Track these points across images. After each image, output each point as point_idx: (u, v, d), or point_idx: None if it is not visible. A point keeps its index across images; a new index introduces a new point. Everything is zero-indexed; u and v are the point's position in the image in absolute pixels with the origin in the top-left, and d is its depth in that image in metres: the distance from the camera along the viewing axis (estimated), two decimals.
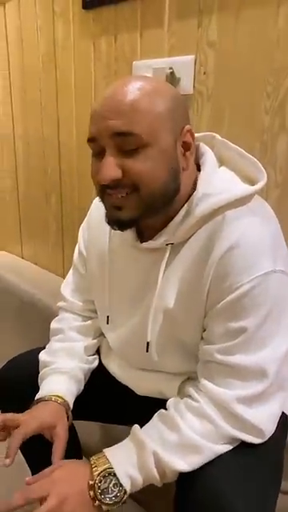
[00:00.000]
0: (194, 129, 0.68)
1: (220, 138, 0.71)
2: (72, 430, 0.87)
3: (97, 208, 0.85)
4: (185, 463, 0.60)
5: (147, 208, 0.65)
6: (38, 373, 0.83)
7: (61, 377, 0.80)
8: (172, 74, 1.02)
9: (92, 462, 0.63)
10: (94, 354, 0.88)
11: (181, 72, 1.01)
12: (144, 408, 0.70)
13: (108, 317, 0.82)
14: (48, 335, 0.92)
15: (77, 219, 1.48)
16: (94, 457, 0.64)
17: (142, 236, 0.73)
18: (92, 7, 1.19)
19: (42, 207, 1.61)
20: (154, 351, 0.72)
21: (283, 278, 0.62)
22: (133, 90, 0.61)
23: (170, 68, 1.02)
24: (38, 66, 1.44)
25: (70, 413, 0.77)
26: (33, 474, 0.65)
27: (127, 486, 0.61)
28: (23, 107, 1.57)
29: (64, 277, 0.96)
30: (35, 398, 0.78)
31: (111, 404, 0.87)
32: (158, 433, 0.64)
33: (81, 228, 0.89)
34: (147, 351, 0.72)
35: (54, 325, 0.91)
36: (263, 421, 0.61)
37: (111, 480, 0.61)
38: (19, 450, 0.69)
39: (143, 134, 0.61)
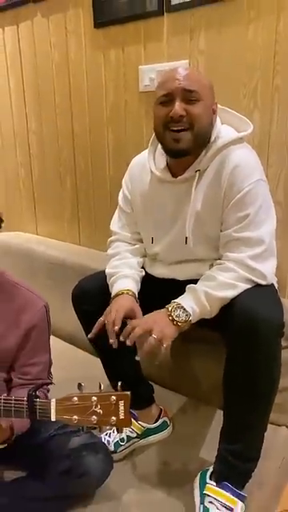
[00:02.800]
0: None
1: (221, 106, 1.12)
2: None
3: (136, 165, 1.23)
4: (225, 294, 0.99)
5: (195, 142, 1.03)
6: (105, 283, 1.18)
7: (126, 279, 1.15)
8: None
9: (166, 306, 1.01)
10: (141, 268, 1.25)
11: None
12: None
13: (152, 238, 1.19)
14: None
15: (91, 195, 1.82)
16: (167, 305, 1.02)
17: (174, 175, 1.11)
18: (102, 26, 1.56)
19: (57, 189, 1.93)
20: (190, 242, 1.11)
21: (265, 184, 1.04)
22: (192, 69, 1.07)
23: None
24: (51, 73, 1.78)
25: (136, 298, 1.13)
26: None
27: (190, 312, 0.99)
28: (36, 107, 1.89)
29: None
30: (112, 296, 1.13)
31: (159, 300, 1.22)
32: (202, 283, 1.03)
33: (123, 181, 1.26)
34: (186, 243, 1.11)
35: (110, 251, 1.26)
36: (265, 270, 1.01)
37: (180, 309, 1.00)
38: None
39: (200, 92, 1.01)
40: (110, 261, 1.24)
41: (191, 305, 1.01)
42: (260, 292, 1.00)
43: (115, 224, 1.28)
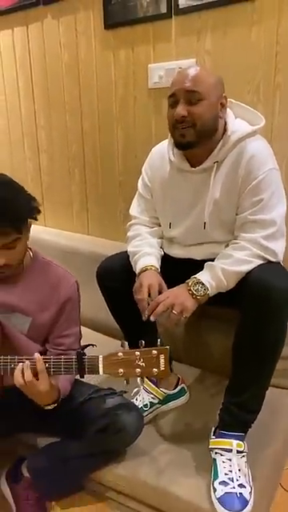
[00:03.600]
0: None
1: (234, 101, 1.24)
2: None
3: (156, 154, 1.35)
4: (240, 269, 1.11)
5: (199, 136, 1.15)
6: (127, 262, 1.29)
7: (149, 256, 1.27)
8: None
9: (186, 281, 1.13)
10: (160, 248, 1.36)
11: None
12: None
13: (170, 223, 1.31)
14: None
15: (100, 187, 1.93)
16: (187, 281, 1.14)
17: (192, 166, 1.23)
18: (112, 28, 1.67)
19: (66, 182, 2.03)
20: (208, 227, 1.23)
21: (277, 172, 1.17)
22: (196, 69, 1.14)
23: (180, 67, 1.53)
24: (60, 72, 1.88)
25: (159, 271, 1.24)
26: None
27: (208, 286, 1.11)
28: (45, 104, 1.99)
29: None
30: (137, 272, 1.23)
31: (176, 278, 1.34)
32: (219, 261, 1.15)
33: (143, 169, 1.37)
34: (204, 228, 1.23)
35: (130, 234, 1.37)
36: (276, 249, 1.13)
37: (199, 284, 1.11)
38: None
39: (202, 92, 1.12)
40: (130, 242, 1.35)
41: (209, 280, 1.13)
42: (272, 266, 1.13)
43: (134, 209, 1.40)
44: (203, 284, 1.12)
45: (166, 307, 1.10)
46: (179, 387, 1.39)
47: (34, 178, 2.17)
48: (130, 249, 1.32)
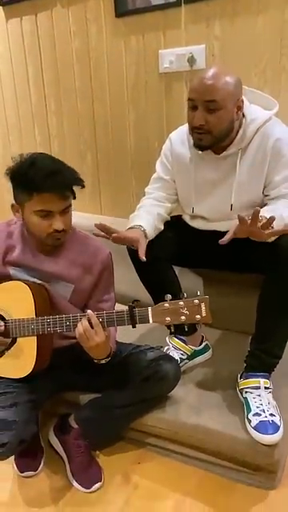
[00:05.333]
0: None
1: (247, 88, 1.37)
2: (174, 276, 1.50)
3: (176, 141, 1.45)
4: None
5: (215, 140, 1.28)
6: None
7: (140, 219, 1.35)
8: (192, 56, 1.65)
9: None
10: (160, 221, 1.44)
11: (197, 55, 1.65)
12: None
13: (193, 208, 1.44)
14: None
15: (113, 169, 2.04)
16: None
17: (215, 153, 1.35)
18: (123, 16, 1.77)
19: (77, 165, 2.08)
20: (234, 209, 1.35)
21: None
22: (216, 77, 1.22)
23: (190, 53, 1.65)
24: (71, 60, 1.97)
25: (147, 236, 1.32)
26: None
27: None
28: (56, 90, 2.07)
29: None
30: (126, 228, 1.33)
31: (198, 252, 1.47)
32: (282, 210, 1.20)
33: (163, 153, 1.49)
34: (231, 210, 1.36)
35: (139, 205, 1.48)
36: None
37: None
38: None
39: (220, 101, 1.22)
40: (136, 210, 1.46)
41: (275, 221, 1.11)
42: None
43: (150, 186, 1.52)
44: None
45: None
46: (204, 343, 1.54)
47: None
48: (131, 215, 1.43)
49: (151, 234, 1.36)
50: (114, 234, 1.22)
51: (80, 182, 1.19)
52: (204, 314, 1.06)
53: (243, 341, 1.56)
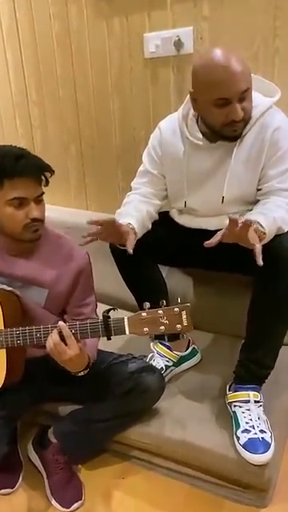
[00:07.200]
0: None
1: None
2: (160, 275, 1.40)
3: (166, 130, 1.32)
4: (283, 227, 1.10)
5: (246, 125, 1.17)
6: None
7: (129, 217, 1.23)
8: (179, 40, 1.53)
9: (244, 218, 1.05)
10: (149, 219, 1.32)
11: (184, 38, 1.53)
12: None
13: (185, 201, 1.32)
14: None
15: (98, 161, 1.93)
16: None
17: (210, 141, 1.23)
18: None
19: (61, 158, 2.02)
20: (226, 201, 1.25)
21: None
22: (236, 60, 1.09)
23: (177, 36, 1.53)
24: (51, 44, 1.84)
25: (136, 232, 1.21)
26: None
27: (265, 226, 1.04)
28: (37, 78, 1.94)
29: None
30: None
31: (186, 251, 1.36)
32: (272, 211, 1.12)
33: (151, 145, 1.36)
34: (222, 203, 1.25)
35: (124, 200, 1.37)
36: None
37: (256, 223, 1.04)
38: None
39: (250, 86, 1.12)
40: (122, 207, 1.35)
41: (265, 223, 1.06)
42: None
43: (137, 181, 1.40)
44: (261, 225, 1.05)
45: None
46: (190, 348, 1.45)
47: None
48: (117, 211, 1.32)
49: (139, 233, 1.25)
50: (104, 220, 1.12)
51: (49, 168, 1.11)
52: (185, 323, 0.97)
53: (234, 344, 1.47)
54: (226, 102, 1.12)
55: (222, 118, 1.14)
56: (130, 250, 1.12)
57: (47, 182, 1.14)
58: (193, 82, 1.18)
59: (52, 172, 1.13)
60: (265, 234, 1.05)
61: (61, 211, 2.04)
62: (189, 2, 1.49)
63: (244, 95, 1.11)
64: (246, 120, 1.16)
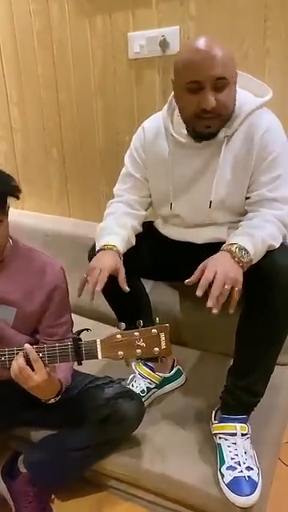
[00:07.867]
0: None
1: (238, 70, 1.13)
2: (142, 289, 1.30)
3: (149, 130, 1.23)
4: (272, 244, 1.02)
5: (222, 125, 1.08)
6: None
7: (114, 235, 1.15)
8: (164, 39, 1.45)
9: (226, 248, 1.00)
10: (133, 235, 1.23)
11: (170, 38, 1.45)
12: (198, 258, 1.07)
13: (171, 204, 1.22)
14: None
15: (80, 166, 1.83)
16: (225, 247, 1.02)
17: (196, 140, 1.13)
18: None
19: (43, 162, 1.92)
20: (214, 206, 1.15)
21: None
22: (219, 48, 1.01)
23: (163, 36, 1.44)
24: (32, 42, 1.74)
25: (121, 256, 1.12)
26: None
27: (250, 252, 0.97)
28: (17, 77, 1.85)
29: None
30: (96, 250, 1.14)
31: (172, 265, 1.27)
32: (255, 230, 1.03)
33: (133, 147, 1.26)
34: (210, 207, 1.15)
35: (107, 211, 1.28)
36: None
37: (242, 250, 0.97)
38: None
39: (228, 77, 1.03)
40: (105, 219, 1.26)
41: (251, 247, 0.99)
42: (281, 246, 1.06)
43: (119, 187, 1.30)
44: (246, 250, 0.98)
45: (220, 287, 0.93)
46: (175, 369, 1.35)
47: (8, 158, 2.03)
48: (100, 225, 1.23)
49: (124, 251, 1.16)
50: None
51: (15, 192, 1.00)
52: (163, 346, 0.88)
53: (222, 363, 1.38)
54: (198, 87, 1.03)
55: (193, 106, 1.05)
56: (126, 288, 1.05)
57: (8, 206, 1.05)
58: (174, 66, 1.10)
59: (17, 198, 1.04)
60: (251, 260, 0.99)
61: (42, 218, 1.95)
62: (175, 0, 1.41)
63: (219, 84, 1.02)
64: (222, 116, 1.07)
